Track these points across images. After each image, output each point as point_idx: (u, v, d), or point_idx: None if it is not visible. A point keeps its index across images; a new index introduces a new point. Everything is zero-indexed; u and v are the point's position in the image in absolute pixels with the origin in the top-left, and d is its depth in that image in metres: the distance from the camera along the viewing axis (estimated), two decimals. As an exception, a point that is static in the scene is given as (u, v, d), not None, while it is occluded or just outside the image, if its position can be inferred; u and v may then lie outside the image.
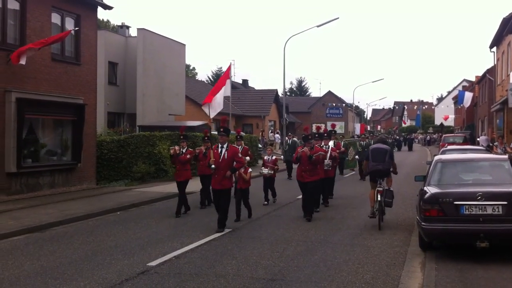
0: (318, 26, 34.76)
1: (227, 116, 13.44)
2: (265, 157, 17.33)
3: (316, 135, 14.72)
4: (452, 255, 9.21)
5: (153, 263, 9.03)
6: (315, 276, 8.27)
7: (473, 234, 8.68)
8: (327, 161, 15.22)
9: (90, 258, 9.52)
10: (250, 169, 13.74)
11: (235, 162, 11.96)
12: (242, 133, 25.15)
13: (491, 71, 42.40)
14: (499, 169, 10.34)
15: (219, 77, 29.80)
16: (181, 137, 15.11)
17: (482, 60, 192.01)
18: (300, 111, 76.42)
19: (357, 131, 58.49)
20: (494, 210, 8.70)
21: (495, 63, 39.67)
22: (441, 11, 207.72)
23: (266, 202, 16.16)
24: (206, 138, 16.28)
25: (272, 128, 56.57)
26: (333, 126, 19.24)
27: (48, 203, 15.97)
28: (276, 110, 58.93)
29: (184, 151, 14.47)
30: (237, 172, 12.77)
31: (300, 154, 13.27)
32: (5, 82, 16.66)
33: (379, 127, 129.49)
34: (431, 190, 9.35)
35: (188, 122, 32.58)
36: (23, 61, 16.12)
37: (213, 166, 11.87)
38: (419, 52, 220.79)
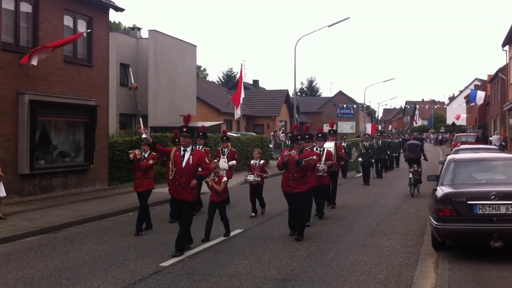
0: (329, 26, 34.76)
1: (190, 113, 12.66)
2: (252, 162, 14.65)
3: (306, 136, 12.53)
4: (465, 255, 9.17)
5: (166, 264, 9.06)
6: (327, 276, 8.27)
7: (486, 234, 8.63)
8: (322, 166, 13.28)
9: (103, 259, 9.57)
10: (225, 178, 11.39)
11: (200, 169, 9.86)
12: (242, 133, 25.24)
13: (503, 70, 42.15)
14: (513, 168, 10.29)
15: (230, 78, 30.26)
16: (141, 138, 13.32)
17: (494, 59, 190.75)
18: (311, 111, 76.34)
19: (368, 131, 58.13)
20: (508, 210, 8.64)
21: (508, 61, 39.43)
22: (453, 10, 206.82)
23: (253, 214, 14.12)
24: (224, 138, 16.11)
25: (282, 128, 56.53)
26: (332, 124, 17.03)
27: (61, 204, 16.07)
28: (287, 111, 58.89)
29: (146, 155, 12.29)
30: (208, 182, 11.06)
31: (287, 158, 11.04)
32: (18, 84, 16.79)
33: (390, 126, 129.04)
34: (444, 189, 9.31)
35: (199, 123, 32.64)
36: (34, 62, 16.22)
37: (144, 136, 10.07)
38: (431, 51, 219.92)
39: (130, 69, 11.92)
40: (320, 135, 13.91)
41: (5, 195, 13.80)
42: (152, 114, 31.48)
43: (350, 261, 9.16)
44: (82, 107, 19.53)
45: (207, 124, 31.09)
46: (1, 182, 13.69)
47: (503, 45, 38.96)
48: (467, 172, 10.30)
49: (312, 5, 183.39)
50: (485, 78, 63.03)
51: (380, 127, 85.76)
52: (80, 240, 11.37)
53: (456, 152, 18.18)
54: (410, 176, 18.40)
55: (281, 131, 53.27)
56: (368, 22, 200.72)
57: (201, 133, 14.66)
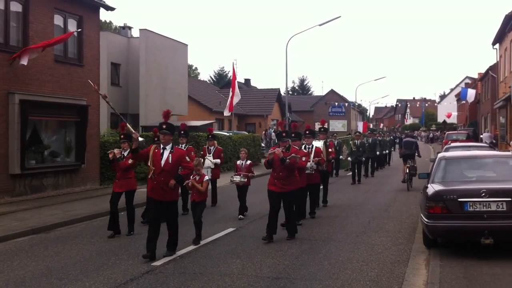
0: (320, 25, 34.79)
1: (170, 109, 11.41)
2: (238, 162, 14.14)
3: (293, 134, 12.06)
4: (456, 252, 9.22)
5: (158, 263, 9.05)
6: (319, 274, 8.29)
7: (477, 231, 8.68)
8: (310, 163, 12.85)
9: (95, 259, 9.54)
10: (206, 176, 10.96)
11: (181, 168, 9.46)
12: (234, 132, 25.03)
13: (493, 68, 42.33)
14: (503, 165, 10.35)
15: (221, 77, 30.49)
16: (122, 136, 12.25)
17: (485, 57, 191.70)
18: (303, 110, 76.40)
19: (360, 129, 58.18)
20: (498, 207, 8.69)
21: (498, 60, 39.63)
22: (443, 8, 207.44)
23: (241, 216, 13.59)
24: (210, 136, 15.98)
25: (274, 127, 56.56)
26: (323, 122, 16.10)
27: (52, 204, 16.01)
28: (279, 109, 58.94)
29: (125, 154, 11.86)
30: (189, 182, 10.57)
31: (271, 156, 10.72)
32: (9, 84, 16.70)
33: (381, 125, 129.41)
34: (435, 187, 9.35)
35: (191, 122, 32.61)
36: (24, 62, 16.14)
37: (140, 139, 9.80)
38: (421, 49, 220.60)
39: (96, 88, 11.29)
40: (307, 132, 13.65)
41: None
42: (143, 114, 31.42)
43: (342, 259, 9.18)
44: (73, 106, 19.46)
45: (199, 123, 31.10)
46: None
47: (493, 43, 39.15)
48: (458, 169, 10.35)
49: (303, 4, 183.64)
50: (476, 76, 63.33)
51: (371, 125, 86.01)
52: (72, 240, 11.33)
53: (447, 150, 18.27)
54: (407, 171, 19.93)
55: (273, 129, 53.32)
56: (359, 21, 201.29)
57: (182, 132, 14.38)
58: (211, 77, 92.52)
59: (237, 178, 13.58)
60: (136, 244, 10.69)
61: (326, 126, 15.92)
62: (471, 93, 46.33)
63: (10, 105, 16.76)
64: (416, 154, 21.13)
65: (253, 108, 55.55)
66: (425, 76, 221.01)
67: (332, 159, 16.34)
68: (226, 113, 28.37)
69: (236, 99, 28.18)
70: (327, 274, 8.27)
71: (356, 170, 22.41)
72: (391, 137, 54.19)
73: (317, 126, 73.50)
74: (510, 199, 8.68)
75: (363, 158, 23.40)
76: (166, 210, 9.49)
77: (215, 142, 16.03)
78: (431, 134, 76.03)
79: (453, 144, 22.09)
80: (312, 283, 7.77)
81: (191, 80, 49.38)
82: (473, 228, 8.73)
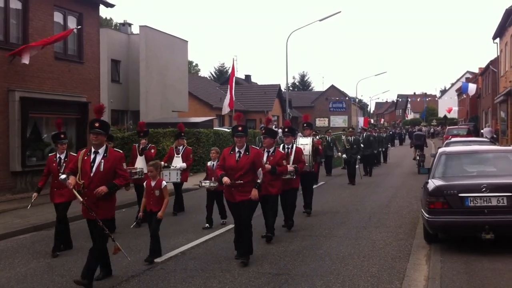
0: (320, 21, 34.68)
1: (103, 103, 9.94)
2: (209, 164, 12.22)
3: (286, 129, 11.57)
4: (457, 247, 9.23)
5: (159, 259, 9.06)
6: (320, 270, 8.30)
7: (478, 226, 8.69)
8: (289, 167, 10.92)
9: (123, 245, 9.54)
10: (164, 182, 9.33)
11: (118, 176, 7.72)
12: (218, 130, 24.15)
13: (494, 63, 42.25)
14: (504, 160, 10.34)
15: (222, 73, 30.24)
16: (62, 136, 10.62)
17: (485, 51, 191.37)
18: (304, 106, 76.28)
19: (361, 124, 58.11)
20: (499, 202, 8.70)
21: (498, 54, 39.56)
22: (444, 3, 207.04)
23: (207, 225, 11.76)
24: (182, 134, 14.32)
25: (275, 123, 56.53)
26: (306, 117, 14.44)
27: (54, 201, 15.98)
28: (279, 105, 58.88)
29: (62, 157, 10.60)
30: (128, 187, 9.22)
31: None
32: (9, 81, 16.71)
33: (382, 120, 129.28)
34: (435, 182, 9.35)
35: (191, 118, 32.61)
36: (26, 61, 16.15)
37: (62, 176, 8.07)
38: (422, 44, 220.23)
39: None
40: (286, 130, 11.87)
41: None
42: (144, 110, 31.41)
43: (343, 255, 9.20)
44: (73, 104, 19.47)
45: (199, 119, 31.06)
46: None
47: (494, 38, 39.07)
48: (459, 164, 10.35)
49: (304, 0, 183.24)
50: (477, 71, 63.23)
51: (372, 121, 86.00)
52: (73, 237, 11.28)
53: (448, 145, 18.26)
54: (417, 158, 24.23)
55: (274, 125, 53.26)
56: (359, 16, 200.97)
57: (141, 133, 13.16)
58: (211, 74, 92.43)
59: (206, 183, 11.35)
60: (137, 241, 10.70)
61: (309, 121, 14.37)
62: (472, 87, 46.35)
63: (10, 103, 16.77)
64: (424, 145, 25.28)
65: (253, 104, 55.50)
66: (426, 71, 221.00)
67: (321, 156, 14.90)
68: (226, 111, 28.02)
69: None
70: (328, 270, 8.29)
71: (351, 170, 20.43)
72: (391, 133, 53.71)
73: (318, 122, 73.59)
74: (510, 194, 8.68)
75: (358, 156, 21.55)
76: (94, 230, 7.70)
77: (185, 141, 14.42)
78: (431, 129, 75.88)
79: (453, 139, 22.08)
80: (313, 279, 7.78)
81: (191, 76, 49.36)
82: (474, 223, 8.74)
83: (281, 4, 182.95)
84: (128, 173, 8.39)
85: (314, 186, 17.71)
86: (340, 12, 33.61)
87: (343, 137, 22.17)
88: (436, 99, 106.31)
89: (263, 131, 10.98)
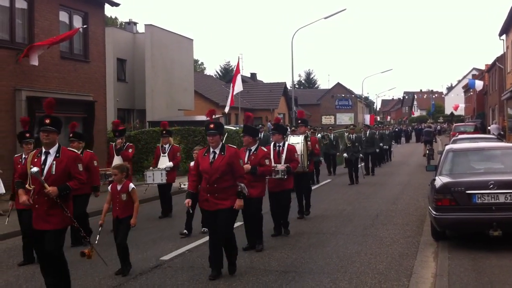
0: (325, 18, 34.64)
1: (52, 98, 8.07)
2: (192, 164, 10.18)
3: (274, 128, 10.80)
4: (465, 244, 9.20)
5: (166, 257, 9.08)
6: (327, 267, 8.29)
7: (485, 223, 8.65)
8: (280, 167, 10.17)
9: (104, 253, 9.55)
10: (132, 184, 8.30)
11: (72, 178, 6.80)
12: (240, 127, 23.60)
13: (500, 59, 42.08)
14: (511, 157, 10.30)
15: (227, 71, 29.92)
16: (27, 135, 9.80)
17: (492, 48, 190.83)
18: (309, 104, 76.25)
19: (367, 122, 57.98)
20: (506, 199, 8.66)
21: (505, 50, 39.39)
22: (450, 0, 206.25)
23: (185, 231, 10.74)
24: (164, 132, 13.45)
25: (281, 121, 56.47)
26: (301, 114, 13.65)
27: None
28: (285, 103, 58.88)
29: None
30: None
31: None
32: (15, 80, 16.77)
33: (388, 117, 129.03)
34: (443, 179, 9.32)
35: (197, 116, 32.63)
36: (35, 62, 16.24)
37: (34, 169, 6.58)
38: (428, 41, 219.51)
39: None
40: (273, 127, 11.20)
41: (4, 191, 13.77)
42: (150, 109, 31.47)
43: (350, 252, 9.18)
44: (79, 103, 19.52)
45: (205, 118, 31.05)
46: (0, 179, 13.68)
47: (500, 34, 38.90)
48: (466, 161, 10.31)
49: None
50: (483, 67, 62.97)
51: (378, 118, 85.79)
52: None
53: (455, 142, 18.20)
54: (427, 152, 26.96)
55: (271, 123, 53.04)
56: (364, 13, 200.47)
57: (117, 132, 12.51)
58: (217, 72, 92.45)
59: (186, 184, 10.11)
60: (145, 239, 10.72)
61: (304, 118, 13.37)
62: (479, 83, 46.24)
63: (17, 102, 16.83)
64: (434, 140, 29.34)
65: (259, 102, 55.52)
66: (432, 68, 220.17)
67: (317, 157, 13.58)
68: (226, 109, 27.76)
69: (237, 89, 27.25)
70: (335, 267, 8.27)
71: (353, 169, 19.48)
72: (396, 130, 53.24)
73: (324, 119, 73.40)
74: (518, 190, 8.65)
75: (361, 155, 20.58)
76: (46, 244, 6.71)
77: (171, 139, 13.56)
78: (438, 126, 75.67)
79: (460, 136, 22.00)
80: (320, 277, 7.77)
81: (197, 74, 49.38)
82: (482, 220, 8.71)
83: (286, 2, 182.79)
84: (85, 177, 7.28)
85: (315, 187, 17.72)
86: (345, 9, 33.82)
87: (346, 134, 21.15)
88: (443, 96, 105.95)
89: (273, 127, 10.71)
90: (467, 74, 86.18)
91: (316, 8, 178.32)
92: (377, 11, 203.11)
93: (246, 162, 9.18)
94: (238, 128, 31.62)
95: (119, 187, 8.24)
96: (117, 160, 12.07)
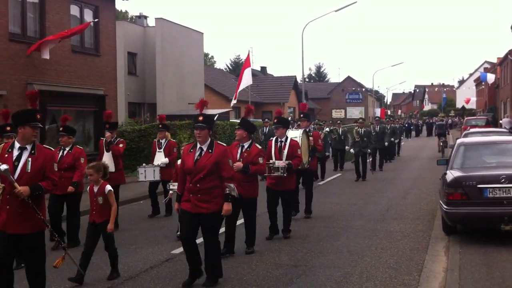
0: (336, 11, 34.43)
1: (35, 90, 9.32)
2: (179, 162, 8.71)
3: (275, 120, 10.24)
4: (476, 239, 9.16)
5: (177, 251, 9.10)
6: (338, 261, 8.29)
7: (497, 217, 8.62)
8: (280, 163, 9.54)
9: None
10: (109, 187, 7.69)
11: (45, 179, 6.16)
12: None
13: (513, 52, 41.78)
14: (523, 151, 10.25)
15: (237, 65, 29.60)
16: (8, 128, 9.14)
17: (504, 41, 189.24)
18: (320, 97, 76.03)
19: (378, 115, 57.77)
20: (518, 193, 8.60)
21: (517, 43, 39.07)
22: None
23: (179, 233, 9.24)
24: (160, 126, 12.88)
25: (291, 115, 56.44)
26: (303, 107, 12.82)
27: (72, 193, 16.09)
28: (295, 97, 58.72)
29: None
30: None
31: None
32: (27, 74, 16.85)
33: (399, 111, 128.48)
34: (454, 173, 9.28)
35: (207, 110, 32.57)
36: (47, 56, 16.32)
37: (3, 167, 5.81)
38: (439, 34, 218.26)
39: None
40: (276, 120, 10.35)
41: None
42: (160, 103, 31.53)
43: (361, 246, 9.17)
44: (90, 96, 19.60)
45: (216, 111, 31.09)
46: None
47: (513, 27, 38.62)
48: (477, 155, 10.26)
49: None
50: (495, 60, 62.51)
51: (389, 112, 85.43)
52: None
53: (466, 135, 18.10)
54: (440, 144, 29.10)
55: (290, 117, 53.05)
56: (375, 6, 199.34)
57: (107, 125, 11.67)
58: (227, 65, 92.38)
59: (175, 186, 8.63)
60: (156, 233, 10.77)
61: (306, 112, 12.51)
62: (490, 76, 45.98)
63: (28, 96, 16.92)
64: (447, 132, 31.79)
65: (269, 96, 55.41)
66: (443, 61, 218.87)
67: (318, 152, 12.68)
68: (233, 102, 27.59)
69: (244, 85, 26.84)
70: (346, 261, 8.27)
71: (360, 164, 18.86)
72: (406, 124, 52.63)
73: (334, 113, 73.26)
74: (530, 185, 8.59)
75: (369, 150, 19.66)
76: (24, 250, 6.22)
77: (167, 133, 12.81)
78: (449, 120, 75.28)
79: (472, 130, 21.86)
80: (331, 271, 7.77)
81: (207, 68, 49.41)
82: (493, 214, 8.68)
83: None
84: (58, 178, 6.73)
85: (321, 183, 17.64)
86: (356, 2, 33.24)
87: (354, 130, 20.10)
88: (454, 89, 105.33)
89: (276, 121, 10.12)
90: (478, 67, 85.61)
91: (326, 1, 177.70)
92: (387, 4, 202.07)
93: (238, 159, 8.57)
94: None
95: (95, 189, 7.64)
96: (107, 157, 11.29)
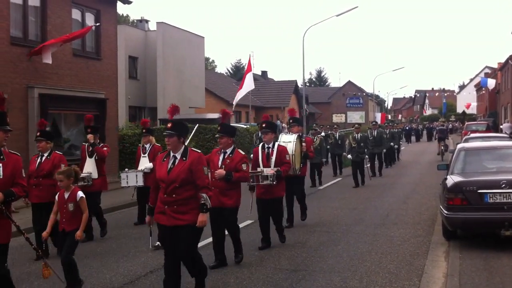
0: (337, 16, 34.44)
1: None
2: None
3: (265, 126, 9.59)
4: (476, 244, 9.15)
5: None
6: (338, 266, 8.28)
7: (497, 223, 8.61)
8: (268, 171, 9.16)
9: (114, 251, 9.62)
10: (80, 192, 7.31)
11: (15, 185, 6.01)
12: (251, 125, 23.29)
13: (513, 57, 41.80)
14: (524, 156, 10.24)
15: (238, 69, 29.59)
16: (144, 130, 9.37)
17: (505, 46, 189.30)
18: (320, 102, 76.09)
19: (378, 120, 57.73)
20: (518, 198, 8.59)
21: (518, 49, 39.09)
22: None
23: (158, 243, 8.86)
24: (144, 131, 12.45)
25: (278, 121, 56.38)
26: (291, 112, 11.94)
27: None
28: (296, 101, 58.78)
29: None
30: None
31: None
32: (28, 78, 16.86)
33: (400, 116, 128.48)
34: (454, 178, 9.28)
35: (208, 114, 32.66)
36: (49, 60, 16.32)
37: None
38: (440, 39, 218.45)
39: None
40: (264, 125, 9.71)
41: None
42: (161, 107, 31.54)
43: (361, 251, 9.16)
44: (91, 100, 19.60)
45: (216, 116, 31.09)
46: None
47: (513, 32, 38.63)
48: (478, 160, 10.26)
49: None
50: (496, 65, 62.56)
51: (389, 117, 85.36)
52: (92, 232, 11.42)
53: (466, 140, 18.09)
54: (441, 148, 29.28)
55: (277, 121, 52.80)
56: (376, 11, 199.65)
57: (89, 128, 11.41)
58: (228, 70, 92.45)
59: None
60: (156, 236, 10.72)
61: (297, 116, 12.16)
62: (491, 82, 46.03)
63: (29, 99, 16.92)
64: (447, 137, 32.89)
65: (270, 100, 55.50)
66: (444, 66, 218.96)
67: (310, 158, 12.09)
68: (234, 103, 27.42)
69: (245, 90, 26.64)
70: (345, 266, 8.26)
71: (358, 171, 18.34)
72: (407, 128, 52.58)
73: (335, 118, 73.21)
74: (531, 190, 8.59)
75: (366, 156, 19.44)
76: None
77: (152, 138, 12.39)
78: (450, 125, 75.25)
79: (472, 135, 21.86)
80: (331, 275, 7.76)
81: (208, 72, 49.46)
82: (493, 219, 8.67)
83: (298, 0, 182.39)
84: (25, 181, 6.42)
85: (320, 187, 17.52)
86: (357, 7, 33.30)
87: (350, 135, 19.77)
88: (455, 94, 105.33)
89: (264, 125, 9.60)
90: (479, 73, 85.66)
91: (327, 5, 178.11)
92: (389, 8, 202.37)
93: (220, 166, 8.12)
94: (248, 126, 31.65)
95: (66, 195, 7.25)
96: (89, 164, 10.93)
